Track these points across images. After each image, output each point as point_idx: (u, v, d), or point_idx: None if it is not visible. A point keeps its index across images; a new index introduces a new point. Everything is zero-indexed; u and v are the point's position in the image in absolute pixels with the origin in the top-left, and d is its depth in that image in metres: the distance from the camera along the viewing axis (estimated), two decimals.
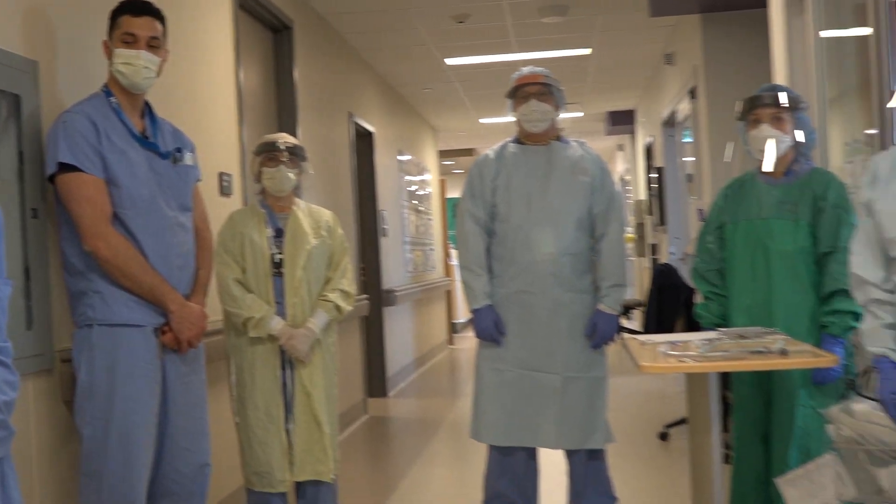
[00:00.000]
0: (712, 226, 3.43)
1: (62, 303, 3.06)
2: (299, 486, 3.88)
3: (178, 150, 3.13)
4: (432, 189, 12.55)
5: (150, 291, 2.97)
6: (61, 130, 2.91)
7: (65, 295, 3.05)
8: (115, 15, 3.05)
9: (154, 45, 3.04)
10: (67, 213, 2.95)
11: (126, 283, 2.95)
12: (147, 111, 3.13)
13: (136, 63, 2.99)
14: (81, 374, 2.95)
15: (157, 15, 3.08)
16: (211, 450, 3.24)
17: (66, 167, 2.91)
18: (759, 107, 3.28)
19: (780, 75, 4.56)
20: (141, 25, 3.01)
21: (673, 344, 3.11)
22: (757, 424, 3.28)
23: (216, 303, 3.78)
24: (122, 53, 2.99)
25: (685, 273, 8.55)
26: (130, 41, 2.99)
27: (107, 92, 3.05)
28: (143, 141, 3.05)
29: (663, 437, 6.15)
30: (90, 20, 3.27)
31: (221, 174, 4.73)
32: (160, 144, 3.10)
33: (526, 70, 4.06)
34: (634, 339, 3.37)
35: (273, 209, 3.87)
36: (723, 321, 3.36)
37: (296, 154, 3.88)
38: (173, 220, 3.07)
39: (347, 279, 3.95)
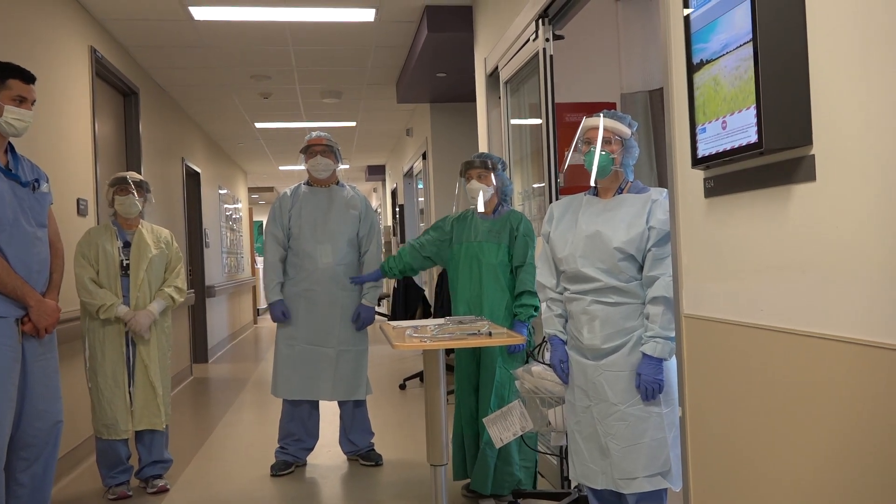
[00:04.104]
0: None
1: None
2: (138, 434, 3.58)
3: (37, 180, 2.74)
4: (243, 214, 12.08)
5: (14, 291, 2.58)
6: None
7: None
8: (3, 75, 2.61)
9: (33, 104, 2.69)
10: None
11: None
12: (9, 149, 2.70)
13: (26, 119, 2.65)
14: None
15: (35, 81, 2.71)
16: (64, 409, 2.84)
17: None
18: (471, 168, 3.27)
19: (483, 146, 4.63)
20: (29, 91, 2.66)
21: (415, 328, 3.02)
22: (470, 379, 3.25)
23: (69, 297, 3.42)
24: (14, 110, 2.61)
25: (419, 277, 8.61)
26: (20, 101, 2.62)
27: None
28: (7, 172, 2.63)
29: (402, 387, 6.09)
30: None
31: (79, 199, 4.27)
32: (21, 175, 2.69)
33: (314, 134, 3.95)
34: (388, 324, 3.25)
35: (123, 227, 3.57)
36: (450, 311, 3.32)
37: (142, 187, 3.60)
38: (32, 234, 2.67)
39: (181, 279, 3.68)
